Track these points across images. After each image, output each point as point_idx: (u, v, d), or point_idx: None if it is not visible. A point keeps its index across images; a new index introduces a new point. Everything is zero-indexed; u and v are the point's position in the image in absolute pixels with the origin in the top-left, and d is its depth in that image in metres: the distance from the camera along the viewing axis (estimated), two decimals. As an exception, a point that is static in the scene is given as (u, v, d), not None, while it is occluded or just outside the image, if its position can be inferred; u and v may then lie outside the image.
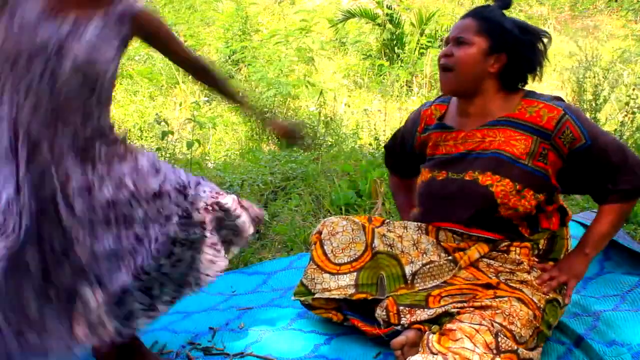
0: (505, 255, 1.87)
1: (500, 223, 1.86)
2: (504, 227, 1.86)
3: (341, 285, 1.93)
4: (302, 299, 2.00)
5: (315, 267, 1.99)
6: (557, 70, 7.05)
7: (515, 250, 1.87)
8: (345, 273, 1.94)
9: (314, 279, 1.97)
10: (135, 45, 10.16)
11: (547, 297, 1.78)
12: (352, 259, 1.96)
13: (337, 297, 1.93)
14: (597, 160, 1.84)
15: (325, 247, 2.00)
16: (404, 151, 2.16)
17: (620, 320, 1.93)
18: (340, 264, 1.96)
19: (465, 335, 1.61)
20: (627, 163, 1.84)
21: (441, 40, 1.96)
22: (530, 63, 1.90)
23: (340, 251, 1.97)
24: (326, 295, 1.94)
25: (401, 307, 1.82)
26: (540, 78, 1.94)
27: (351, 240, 1.98)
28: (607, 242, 1.96)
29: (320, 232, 2.03)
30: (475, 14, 1.90)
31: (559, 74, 6.68)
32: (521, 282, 1.80)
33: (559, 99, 1.93)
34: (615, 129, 3.95)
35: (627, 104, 4.07)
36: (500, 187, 1.82)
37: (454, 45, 1.87)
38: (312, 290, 1.97)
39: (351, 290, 1.92)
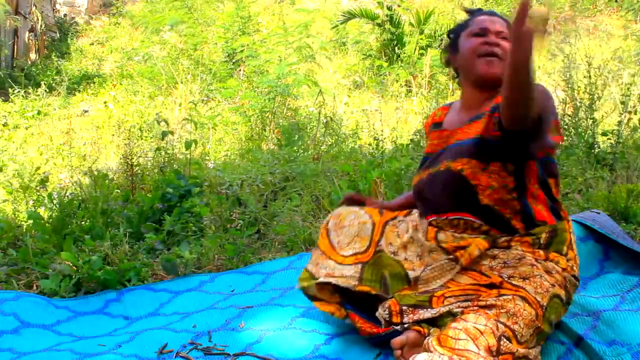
0: (507, 250, 1.86)
1: (488, 214, 1.86)
2: (495, 220, 1.86)
3: (345, 275, 1.96)
4: (306, 284, 2.02)
5: (320, 253, 2.05)
6: (554, 70, 7.05)
7: (516, 246, 1.86)
8: (350, 264, 1.98)
9: (318, 263, 2.02)
10: (135, 45, 10.16)
11: (550, 293, 1.76)
12: (356, 251, 2.00)
13: (340, 284, 1.95)
14: None
15: (331, 237, 2.06)
16: None
17: (620, 320, 1.93)
18: (345, 256, 2.00)
19: (470, 337, 1.61)
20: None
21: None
22: None
23: (346, 245, 2.03)
24: (329, 280, 1.96)
25: (404, 307, 1.82)
26: None
27: (356, 234, 2.03)
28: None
29: (328, 222, 2.10)
30: (501, 17, 2.02)
31: (553, 73, 6.67)
32: (524, 278, 1.79)
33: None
34: (613, 129, 3.95)
35: (622, 103, 4.05)
36: (469, 168, 1.87)
37: (497, 38, 1.95)
38: (316, 276, 2.00)
39: (354, 282, 1.94)
